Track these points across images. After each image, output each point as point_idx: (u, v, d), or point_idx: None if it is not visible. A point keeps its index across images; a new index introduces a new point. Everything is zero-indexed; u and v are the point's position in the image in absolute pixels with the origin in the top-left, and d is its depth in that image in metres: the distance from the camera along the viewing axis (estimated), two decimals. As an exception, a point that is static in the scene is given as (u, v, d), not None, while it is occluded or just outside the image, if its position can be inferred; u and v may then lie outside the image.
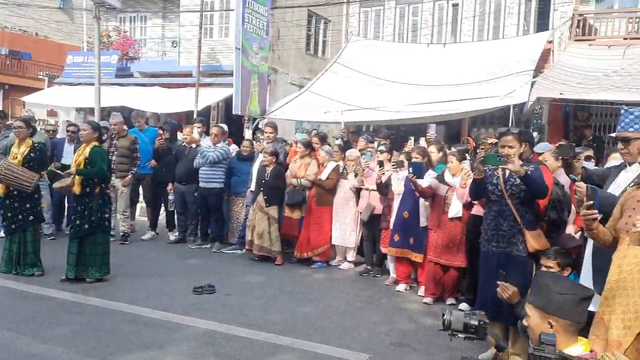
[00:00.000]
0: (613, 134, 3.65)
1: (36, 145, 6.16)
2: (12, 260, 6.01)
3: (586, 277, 3.58)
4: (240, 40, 11.83)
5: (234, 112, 12.13)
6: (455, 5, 14.92)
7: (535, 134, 10.46)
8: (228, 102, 13.37)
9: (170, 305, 5.21)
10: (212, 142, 7.71)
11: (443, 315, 2.19)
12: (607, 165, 4.87)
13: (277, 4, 14.72)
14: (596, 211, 2.70)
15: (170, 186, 8.09)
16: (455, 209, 5.61)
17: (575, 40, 11.89)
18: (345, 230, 7.03)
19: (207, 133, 8.39)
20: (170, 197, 8.17)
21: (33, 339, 4.26)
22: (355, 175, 6.99)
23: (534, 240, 4.15)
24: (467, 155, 6.13)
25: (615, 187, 3.33)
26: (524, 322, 2.15)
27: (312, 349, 4.32)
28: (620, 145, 3.44)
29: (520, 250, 4.19)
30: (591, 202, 2.66)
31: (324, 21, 17.69)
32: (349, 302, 5.68)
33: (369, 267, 6.87)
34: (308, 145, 7.42)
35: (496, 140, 5.32)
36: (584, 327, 2.14)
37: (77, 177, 5.71)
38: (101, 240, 5.87)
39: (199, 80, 13.94)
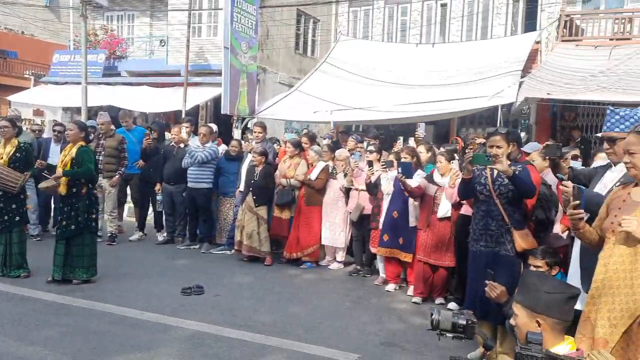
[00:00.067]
0: (599, 134, 3.68)
1: (22, 145, 6.09)
2: (-3, 261, 5.93)
3: (574, 276, 3.62)
4: (228, 39, 11.78)
5: (222, 112, 12.08)
6: (443, 6, 14.99)
7: (523, 134, 10.59)
8: (217, 101, 13.33)
9: (158, 307, 5.17)
10: (201, 142, 7.67)
11: (431, 314, 2.19)
12: (594, 165, 4.92)
13: (266, 3, 14.69)
14: (582, 211, 2.73)
15: (158, 186, 8.03)
16: (444, 208, 5.64)
17: (563, 41, 12.00)
18: (334, 230, 7.03)
19: (195, 133, 8.34)
20: (159, 197, 8.12)
21: (19, 342, 4.21)
22: (345, 175, 6.99)
23: (521, 240, 4.18)
24: (455, 155, 6.16)
25: (601, 187, 3.37)
26: (512, 321, 2.17)
27: (301, 349, 4.31)
28: (605, 145, 3.48)
29: (509, 249, 4.22)
30: (577, 201, 2.69)
31: (313, 20, 17.69)
32: (339, 303, 5.68)
33: (358, 267, 6.88)
34: (297, 145, 7.41)
35: (484, 140, 5.35)
36: (570, 325, 2.16)
37: (63, 177, 5.65)
38: (88, 241, 5.82)
39: (187, 80, 13.89)
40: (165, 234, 8.19)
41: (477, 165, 4.24)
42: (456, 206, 5.58)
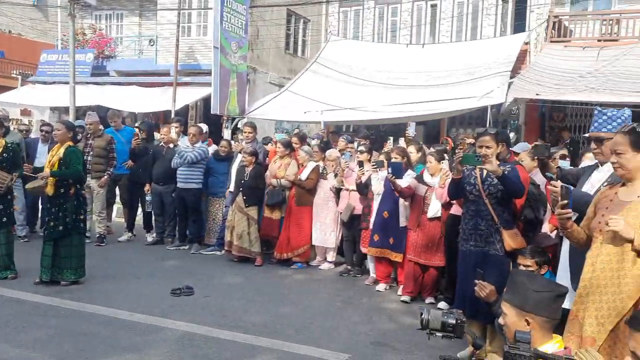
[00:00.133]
0: (587, 134, 3.71)
1: (9, 145, 6.02)
2: (-16, 263, 5.86)
3: (563, 276, 3.64)
4: (218, 39, 11.75)
5: (212, 112, 12.05)
6: (433, 6, 15.05)
7: (512, 135, 10.65)
8: (206, 101, 13.29)
9: (147, 308, 5.14)
10: (190, 142, 7.63)
11: (421, 314, 2.20)
12: (582, 165, 4.96)
13: (256, 2, 14.66)
14: (570, 210, 2.75)
15: (147, 187, 7.99)
16: (434, 209, 5.65)
17: (551, 42, 12.10)
18: (325, 230, 7.03)
19: (185, 133, 8.30)
20: (148, 197, 8.07)
21: (7, 344, 4.16)
22: (335, 176, 6.99)
23: (510, 239, 4.21)
24: (445, 155, 6.18)
25: (589, 187, 3.39)
26: (500, 320, 2.18)
27: (291, 349, 4.31)
28: (593, 145, 3.50)
29: (498, 249, 4.24)
30: (565, 201, 2.71)
31: (303, 20, 17.68)
32: (329, 303, 5.68)
33: (349, 267, 6.88)
34: (288, 146, 7.40)
35: (474, 141, 5.38)
36: (558, 324, 2.18)
37: (51, 177, 5.60)
38: (76, 242, 5.77)
39: (177, 79, 13.83)
40: (154, 235, 8.14)
41: (467, 165, 4.26)
42: (446, 206, 5.61)
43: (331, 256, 7.20)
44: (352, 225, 6.75)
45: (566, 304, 2.51)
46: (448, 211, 5.61)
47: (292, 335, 4.63)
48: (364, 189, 6.48)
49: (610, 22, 12.12)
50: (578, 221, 2.93)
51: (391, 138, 9.74)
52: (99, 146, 7.65)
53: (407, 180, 5.85)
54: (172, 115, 12.15)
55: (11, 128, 8.60)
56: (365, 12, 15.94)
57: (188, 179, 7.56)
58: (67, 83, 13.64)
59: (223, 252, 7.43)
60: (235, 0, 12.39)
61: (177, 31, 13.95)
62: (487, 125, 9.81)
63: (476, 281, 3.19)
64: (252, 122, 8.93)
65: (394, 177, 5.66)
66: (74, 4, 13.21)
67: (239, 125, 11.29)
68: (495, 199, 4.25)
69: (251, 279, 6.48)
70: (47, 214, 5.83)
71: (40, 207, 8.11)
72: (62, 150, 5.71)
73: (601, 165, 3.44)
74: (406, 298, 5.73)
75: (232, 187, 7.42)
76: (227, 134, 12.51)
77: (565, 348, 2.07)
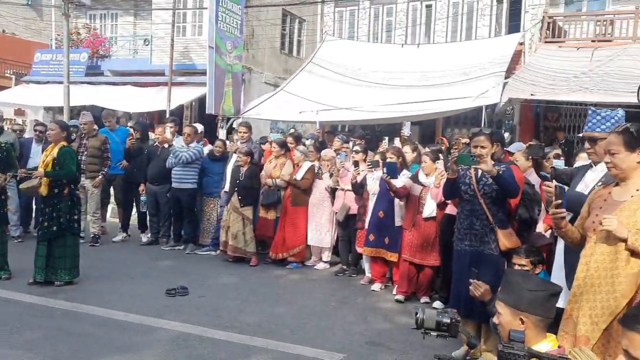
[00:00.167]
0: (581, 134, 3.73)
1: (3, 145, 5.99)
2: (-23, 263, 5.83)
3: (558, 275, 3.65)
4: (213, 38, 11.73)
5: (207, 112, 12.03)
6: (428, 7, 15.08)
7: (506, 135, 10.70)
8: (201, 101, 13.27)
9: (142, 308, 5.12)
10: (185, 142, 7.62)
11: (416, 313, 2.20)
12: (576, 165, 4.98)
13: (251, 2, 14.65)
14: (564, 210, 2.76)
15: (142, 187, 7.96)
16: (429, 208, 5.66)
17: (546, 42, 12.14)
18: (320, 230, 7.03)
19: (180, 133, 8.28)
20: (142, 198, 8.04)
21: (1, 345, 4.14)
22: (331, 176, 6.99)
23: (505, 239, 4.22)
24: (440, 155, 6.20)
25: (583, 187, 3.41)
26: (495, 319, 2.18)
27: (287, 349, 4.30)
28: (587, 145, 3.52)
29: (493, 248, 4.25)
30: (560, 201, 2.71)
31: (298, 20, 17.67)
32: (324, 302, 5.68)
33: (344, 267, 6.88)
34: (283, 145, 7.39)
35: (469, 140, 5.39)
36: (552, 323, 2.18)
37: (45, 178, 5.58)
38: (70, 243, 5.74)
39: (172, 79, 13.80)
40: (149, 235, 8.12)
41: (462, 165, 4.26)
42: (441, 206, 5.62)
43: (326, 256, 7.20)
44: (347, 225, 6.75)
45: (560, 303, 2.52)
46: (443, 211, 5.62)
47: (287, 335, 4.62)
48: (359, 188, 6.48)
49: (604, 22, 12.18)
50: (572, 221, 2.94)
51: (386, 138, 9.74)
52: (93, 146, 7.62)
53: (402, 180, 5.85)
54: (167, 115, 12.12)
55: (5, 128, 8.54)
56: (361, 12, 15.95)
57: (183, 179, 7.54)
58: (61, 83, 13.59)
59: (218, 252, 7.42)
60: (231, 0, 12.37)
61: (172, 31, 13.92)
62: (482, 125, 9.83)
63: (471, 280, 3.20)
64: (247, 122, 8.92)
65: (389, 177, 5.67)
66: (68, 3, 13.15)
67: (234, 125, 11.26)
68: (490, 198, 4.26)
69: (246, 279, 6.47)
70: (41, 214, 5.80)
71: (34, 207, 8.07)
72: (56, 150, 5.68)
73: (595, 165, 3.45)
74: (400, 297, 5.73)
75: (227, 187, 7.41)
76: (222, 133, 12.48)
77: (559, 347, 2.08)
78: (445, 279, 5.56)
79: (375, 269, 6.27)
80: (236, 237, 7.01)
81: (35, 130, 8.25)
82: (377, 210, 6.15)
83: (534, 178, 4.95)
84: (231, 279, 6.39)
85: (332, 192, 6.98)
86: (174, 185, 7.61)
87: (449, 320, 2.14)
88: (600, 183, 3.18)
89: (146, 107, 14.27)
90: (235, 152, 7.47)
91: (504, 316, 2.12)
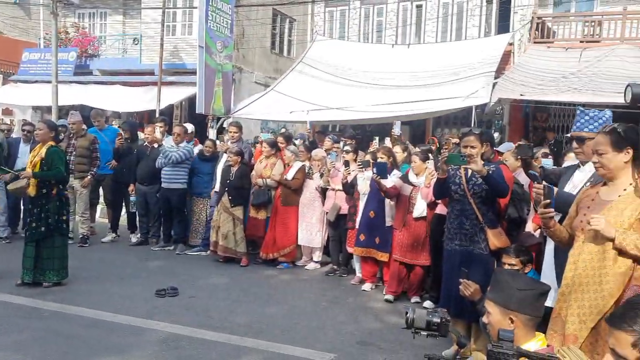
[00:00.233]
0: (569, 134, 3.76)
1: (-11, 145, 5.93)
2: (-36, 265, 5.77)
3: (547, 274, 3.68)
4: (203, 38, 11.68)
5: (197, 111, 11.97)
6: (419, 7, 15.13)
7: (496, 135, 10.74)
8: (192, 101, 13.20)
9: (132, 309, 5.09)
10: (175, 142, 7.58)
11: (406, 313, 2.21)
12: (565, 165, 5.02)
13: (242, 2, 14.61)
14: (553, 210, 2.77)
15: (131, 187, 7.91)
16: (420, 208, 5.68)
17: (535, 43, 12.23)
18: (311, 230, 7.02)
19: (169, 132, 8.24)
20: (132, 198, 8.00)
21: (-14, 347, 4.10)
22: (321, 176, 6.99)
23: (495, 239, 4.25)
24: (430, 155, 6.22)
25: (571, 187, 3.43)
26: (484, 318, 2.19)
27: (277, 350, 4.30)
28: (575, 145, 3.55)
29: (482, 248, 4.27)
30: (548, 200, 2.73)
31: (289, 20, 17.65)
32: (315, 302, 5.67)
33: (335, 267, 6.88)
34: (273, 145, 7.38)
35: (459, 140, 5.41)
36: (541, 322, 2.20)
37: (33, 179, 5.53)
38: (59, 243, 5.70)
39: (162, 79, 13.72)
40: (138, 235, 8.07)
41: (452, 165, 4.28)
42: (431, 205, 5.63)
43: (317, 256, 7.20)
44: (338, 225, 6.75)
45: (549, 302, 2.54)
46: (433, 211, 5.64)
47: (277, 335, 4.62)
48: (350, 188, 6.49)
49: (592, 23, 12.28)
50: (562, 221, 2.96)
51: (377, 138, 9.76)
52: (82, 146, 7.56)
53: (392, 180, 5.86)
54: (157, 115, 12.06)
55: (-8, 128, 8.46)
56: (351, 12, 15.96)
57: (173, 179, 7.51)
58: (49, 82, 13.46)
59: (208, 252, 7.39)
60: (221, 0, 12.33)
61: (162, 30, 13.84)
62: (472, 125, 9.88)
63: (461, 280, 3.21)
64: (238, 121, 8.89)
65: (379, 177, 5.68)
66: (56, 2, 13.04)
67: (225, 125, 11.22)
68: (480, 198, 4.29)
69: (237, 279, 6.45)
70: (29, 215, 5.75)
71: (22, 207, 7.99)
72: (43, 150, 5.63)
73: (582, 165, 3.48)
74: (390, 297, 5.74)
75: (217, 187, 7.38)
76: (212, 133, 12.44)
77: (547, 346, 2.09)
78: (435, 279, 5.57)
79: (365, 269, 6.27)
80: (226, 237, 6.99)
81: (23, 130, 8.17)
82: (367, 210, 6.16)
83: (523, 178, 4.98)
84: (221, 280, 6.37)
85: (323, 192, 6.98)
86: (163, 185, 7.57)
87: (439, 320, 2.15)
88: (588, 183, 3.21)
89: (136, 106, 14.18)
90: (225, 152, 7.45)
91: (494, 315, 2.13)
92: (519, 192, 4.73)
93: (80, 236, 7.66)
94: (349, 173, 6.45)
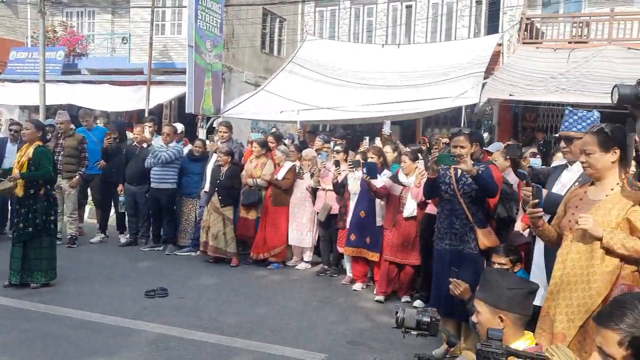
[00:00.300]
0: (557, 134, 3.79)
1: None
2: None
3: (537, 273, 3.70)
4: (193, 37, 11.62)
5: (187, 111, 11.91)
6: (408, 7, 15.16)
7: (486, 135, 10.80)
8: (181, 100, 13.13)
9: (121, 310, 5.06)
10: (164, 142, 7.54)
11: (396, 313, 2.21)
12: (553, 164, 5.05)
13: (231, 1, 14.56)
14: (541, 209, 2.79)
15: (120, 187, 7.86)
16: (410, 208, 5.69)
17: (524, 43, 12.30)
18: (301, 230, 7.02)
19: (159, 132, 8.19)
20: (121, 198, 7.94)
21: (-28, 349, 4.05)
22: (312, 176, 6.99)
23: (484, 238, 4.27)
24: (420, 155, 6.24)
25: (560, 187, 3.46)
26: (474, 318, 2.20)
27: (268, 350, 4.29)
28: (562, 144, 3.57)
29: (472, 247, 4.29)
30: (537, 200, 2.75)
31: (279, 20, 17.62)
32: (306, 303, 5.67)
33: (325, 267, 6.88)
34: (264, 145, 7.36)
35: (449, 140, 5.44)
36: (530, 321, 2.21)
37: (20, 179, 5.47)
38: (46, 244, 5.65)
39: (151, 78, 13.63)
40: (128, 236, 8.02)
41: (442, 165, 4.30)
42: (422, 205, 5.65)
43: (308, 256, 7.19)
44: (329, 224, 6.75)
45: (537, 301, 2.55)
46: (423, 210, 5.66)
47: (268, 335, 4.61)
48: (340, 188, 6.49)
49: (580, 24, 12.38)
50: (551, 221, 2.98)
51: (367, 138, 9.78)
52: (70, 146, 7.49)
53: (382, 180, 5.87)
54: (146, 115, 11.98)
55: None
56: (341, 12, 15.96)
57: (162, 179, 7.46)
58: (37, 81, 13.34)
59: (198, 252, 7.36)
60: (210, -1, 12.27)
61: (151, 29, 13.75)
62: (462, 125, 9.93)
63: (451, 279, 3.23)
64: (228, 121, 8.86)
65: (368, 177, 5.68)
66: (44, 0, 12.91)
67: (215, 125, 11.18)
68: (470, 198, 4.31)
69: (227, 279, 6.43)
70: (17, 215, 5.69)
71: (9, 208, 7.90)
72: (31, 150, 5.58)
73: (570, 165, 3.51)
74: (380, 298, 5.75)
75: (207, 187, 7.35)
76: (202, 133, 12.39)
77: (536, 344, 2.11)
78: (425, 278, 5.59)
79: (356, 268, 6.28)
80: (217, 238, 6.96)
81: (10, 130, 8.06)
82: (358, 210, 6.16)
83: (512, 177, 5.02)
84: (211, 280, 6.35)
85: (313, 192, 6.98)
86: (153, 185, 7.53)
87: (428, 319, 2.15)
88: (577, 183, 3.23)
89: (124, 106, 14.09)
90: (215, 152, 7.42)
91: (483, 314, 2.14)
92: (508, 192, 4.76)
93: (69, 237, 7.60)
94: (340, 173, 6.45)
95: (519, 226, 4.86)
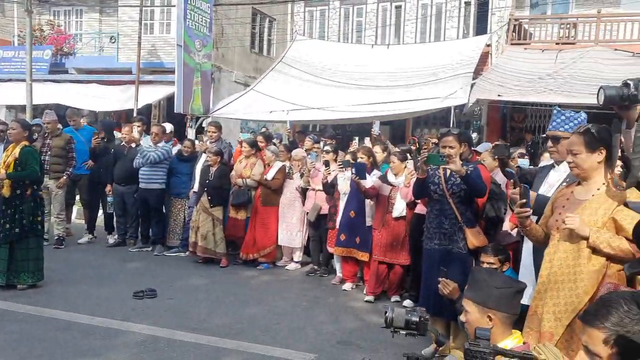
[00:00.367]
0: (544, 134, 3.82)
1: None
2: None
3: (525, 273, 3.73)
4: (182, 36, 11.57)
5: (176, 111, 11.86)
6: (398, 8, 15.21)
7: (474, 135, 10.87)
8: (170, 100, 13.08)
9: (109, 311, 5.02)
10: (153, 142, 7.50)
11: (385, 312, 2.21)
12: (541, 164, 5.10)
13: (221, 0, 14.50)
14: (529, 209, 2.82)
15: (108, 187, 7.81)
16: (399, 208, 5.71)
17: (512, 44, 12.39)
18: (291, 230, 7.01)
19: (147, 132, 8.15)
20: (109, 198, 7.88)
21: (-43, 352, 4.00)
22: (301, 176, 6.98)
23: (473, 238, 4.29)
24: (409, 155, 6.26)
25: (547, 187, 3.48)
26: (462, 317, 2.21)
27: (257, 351, 4.28)
28: (549, 144, 3.60)
29: (461, 247, 4.32)
30: (524, 200, 2.77)
31: (268, 19, 17.59)
32: (296, 303, 5.66)
33: (315, 267, 6.88)
34: (253, 145, 7.35)
35: (438, 141, 5.46)
36: (517, 320, 2.23)
37: (6, 180, 5.42)
38: (33, 245, 5.59)
39: (139, 78, 13.55)
40: (116, 237, 7.96)
41: (431, 165, 4.32)
42: (411, 205, 5.67)
43: (297, 256, 7.19)
44: (318, 225, 6.75)
45: (525, 300, 2.57)
46: (413, 210, 5.67)
47: (258, 336, 4.60)
48: (330, 188, 6.49)
49: (568, 26, 12.50)
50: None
51: (356, 138, 9.79)
52: (57, 146, 7.42)
53: (371, 180, 5.89)
54: (135, 114, 11.90)
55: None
56: (331, 12, 15.96)
57: (150, 179, 7.42)
58: (23, 81, 13.20)
59: (187, 253, 7.33)
60: (199, -2, 12.22)
61: (139, 28, 13.65)
62: (451, 125, 9.97)
63: (439, 279, 3.24)
64: (217, 121, 8.83)
65: (357, 177, 5.69)
66: (30, -2, 12.78)
67: (204, 125, 11.13)
68: (459, 198, 4.33)
69: (216, 280, 6.40)
70: (3, 216, 5.61)
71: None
72: (17, 150, 5.53)
73: (557, 165, 3.54)
74: (370, 298, 5.76)
75: (196, 187, 7.32)
76: (191, 133, 12.33)
77: (524, 343, 2.12)
78: (415, 278, 5.61)
79: (346, 268, 6.28)
80: (206, 238, 6.94)
81: (-5, 130, 7.98)
82: (348, 210, 6.17)
83: (500, 177, 5.05)
84: (201, 281, 6.32)
85: (303, 192, 6.98)
86: (141, 185, 7.48)
87: (417, 319, 2.16)
88: (565, 183, 3.26)
89: (113, 106, 13.99)
90: (204, 152, 7.39)
91: (472, 314, 2.14)
92: (497, 192, 4.79)
93: (56, 237, 7.52)
94: (329, 173, 6.45)
95: (507, 226, 4.89)
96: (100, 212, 8.27)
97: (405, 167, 5.78)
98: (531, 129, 11.93)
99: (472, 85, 10.44)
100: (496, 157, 5.27)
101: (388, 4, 15.28)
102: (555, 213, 2.79)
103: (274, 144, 7.85)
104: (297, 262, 7.16)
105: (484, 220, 4.74)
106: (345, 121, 11.75)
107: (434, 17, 14.69)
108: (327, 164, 6.52)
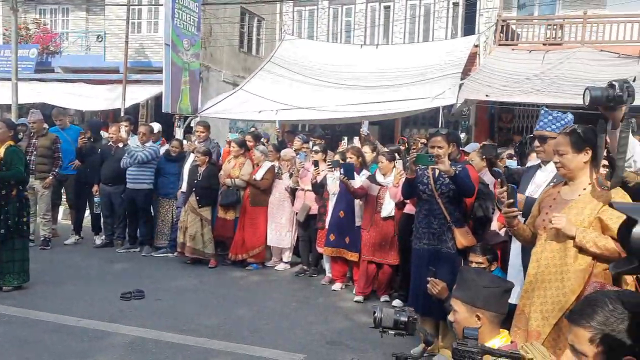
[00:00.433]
0: (531, 135, 3.85)
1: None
2: None
3: (513, 273, 3.75)
4: (169, 35, 11.49)
5: (164, 110, 11.78)
6: (387, 8, 15.25)
7: (463, 135, 10.93)
8: (158, 99, 12.99)
9: (96, 313, 4.98)
10: (141, 141, 7.44)
11: (374, 313, 2.21)
12: (528, 164, 5.13)
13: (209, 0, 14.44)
14: (516, 209, 2.84)
15: (95, 187, 7.74)
16: (388, 208, 5.72)
17: (500, 45, 12.48)
18: (280, 230, 7.00)
19: (135, 132, 8.09)
20: (96, 199, 7.82)
21: (-59, 355, 3.94)
22: (290, 176, 6.97)
23: (462, 237, 4.32)
24: (397, 155, 6.27)
25: (534, 187, 3.51)
26: (450, 317, 2.22)
27: (246, 351, 4.27)
28: (536, 143, 3.63)
29: (450, 247, 4.34)
30: (511, 200, 2.79)
31: (257, 19, 17.54)
32: (285, 303, 5.66)
33: (305, 267, 6.88)
34: (242, 145, 7.32)
35: (426, 141, 5.48)
36: (505, 319, 2.24)
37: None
38: (19, 246, 5.53)
39: (127, 77, 13.44)
40: (103, 237, 7.90)
41: (420, 165, 4.33)
42: (400, 205, 5.69)
43: (287, 256, 7.17)
44: (308, 225, 6.75)
45: (512, 299, 2.59)
46: (402, 210, 5.69)
47: (247, 336, 4.59)
48: (319, 188, 6.49)
49: (555, 26, 12.61)
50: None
51: (345, 138, 9.79)
52: (43, 145, 7.34)
53: (360, 180, 5.89)
54: (122, 114, 11.82)
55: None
56: (320, 12, 15.96)
57: (138, 179, 7.37)
58: (9, 80, 13.05)
59: (175, 254, 7.29)
60: (187, -3, 12.16)
61: (127, 27, 13.56)
62: (439, 125, 10.02)
63: (428, 279, 3.25)
64: (205, 121, 8.79)
65: (345, 177, 5.70)
66: (16, -4, 12.64)
67: (192, 125, 11.07)
68: (447, 198, 4.35)
69: (205, 281, 6.37)
70: (-13, 217, 5.55)
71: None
72: (2, 150, 5.47)
73: (544, 165, 3.56)
74: (359, 298, 5.77)
75: (184, 188, 7.28)
76: (179, 133, 12.26)
77: (511, 342, 2.13)
78: (404, 278, 5.63)
79: (335, 268, 6.29)
80: (194, 238, 6.90)
81: (-20, 129, 7.87)
82: (337, 210, 6.17)
83: (488, 177, 5.08)
84: (189, 281, 6.29)
85: (292, 192, 6.96)
86: (129, 185, 7.43)
87: (406, 319, 2.16)
88: (552, 183, 3.28)
89: (100, 105, 13.88)
90: (192, 152, 7.35)
91: (460, 313, 2.15)
92: (485, 192, 4.82)
93: (42, 238, 7.44)
94: (318, 173, 6.45)
95: (495, 225, 4.92)
96: (87, 212, 8.19)
97: (394, 167, 5.79)
98: (519, 129, 12.02)
99: (460, 86, 10.49)
100: (484, 157, 5.30)
101: (377, 4, 15.32)
102: (542, 213, 2.81)
103: (263, 144, 7.83)
104: (286, 262, 7.15)
105: (472, 220, 4.77)
106: (334, 121, 11.75)
107: (423, 17, 14.75)
108: (316, 164, 6.52)
